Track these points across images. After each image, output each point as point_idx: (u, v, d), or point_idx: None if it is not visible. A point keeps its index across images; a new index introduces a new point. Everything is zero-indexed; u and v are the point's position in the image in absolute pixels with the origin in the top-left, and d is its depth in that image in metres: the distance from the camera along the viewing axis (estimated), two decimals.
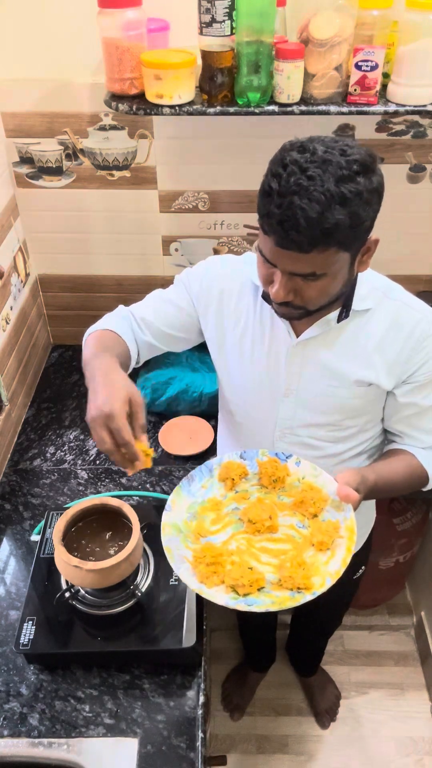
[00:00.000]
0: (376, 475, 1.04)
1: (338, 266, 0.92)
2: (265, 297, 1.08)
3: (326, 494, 1.01)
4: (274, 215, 0.85)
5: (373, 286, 1.06)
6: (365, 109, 1.34)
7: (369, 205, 0.88)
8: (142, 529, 1.16)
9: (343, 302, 1.03)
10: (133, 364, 1.17)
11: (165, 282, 1.86)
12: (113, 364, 0.99)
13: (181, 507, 1.04)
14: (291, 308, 0.97)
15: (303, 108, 1.35)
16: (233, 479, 1.07)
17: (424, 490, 1.16)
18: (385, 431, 1.23)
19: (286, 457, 1.08)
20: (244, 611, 0.91)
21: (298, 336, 1.08)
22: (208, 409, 1.68)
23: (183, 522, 1.02)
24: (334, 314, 1.05)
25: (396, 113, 1.37)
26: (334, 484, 0.99)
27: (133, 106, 1.38)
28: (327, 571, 0.93)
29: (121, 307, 1.22)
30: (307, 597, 0.89)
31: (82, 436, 1.69)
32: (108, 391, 0.92)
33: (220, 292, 1.14)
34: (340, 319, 1.05)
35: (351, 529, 0.95)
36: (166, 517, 1.00)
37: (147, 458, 0.93)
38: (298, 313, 0.99)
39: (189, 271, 1.19)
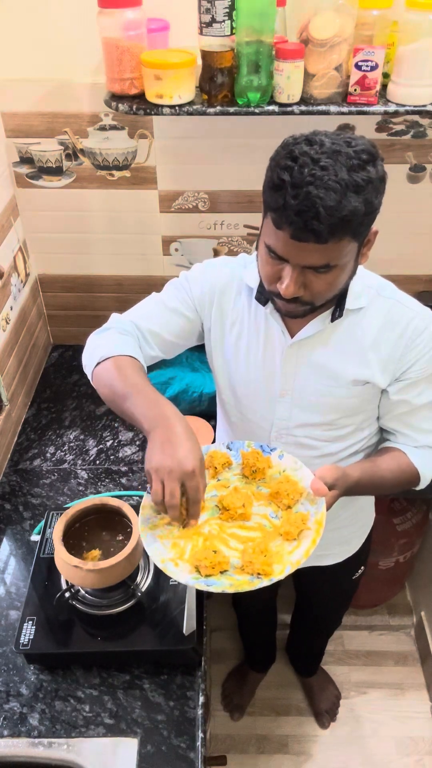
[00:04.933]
0: (360, 473, 1.05)
1: (348, 257, 0.93)
2: (259, 299, 1.09)
3: (302, 487, 1.03)
4: (291, 207, 0.85)
5: (365, 284, 1.07)
6: (365, 109, 1.34)
7: (379, 192, 0.89)
8: None
9: (337, 301, 1.04)
10: None
11: (165, 282, 1.86)
12: (179, 414, 0.95)
13: None
14: (298, 304, 0.97)
15: (303, 108, 1.35)
16: (216, 468, 1.09)
17: (417, 489, 1.16)
18: (381, 429, 1.23)
19: (270, 450, 1.10)
20: (204, 590, 0.93)
21: (292, 336, 1.08)
22: (208, 409, 1.68)
23: None
24: (328, 313, 1.05)
25: (396, 113, 1.37)
26: (312, 479, 1.00)
27: (133, 106, 1.38)
28: (289, 560, 0.95)
29: (117, 318, 1.15)
30: (264, 582, 0.92)
31: (82, 436, 1.69)
32: (189, 446, 0.90)
33: (220, 293, 1.14)
34: (333, 318, 1.05)
35: (320, 522, 0.97)
36: (146, 499, 1.03)
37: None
38: (303, 309, 0.99)
39: (187, 276, 1.17)
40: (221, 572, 0.95)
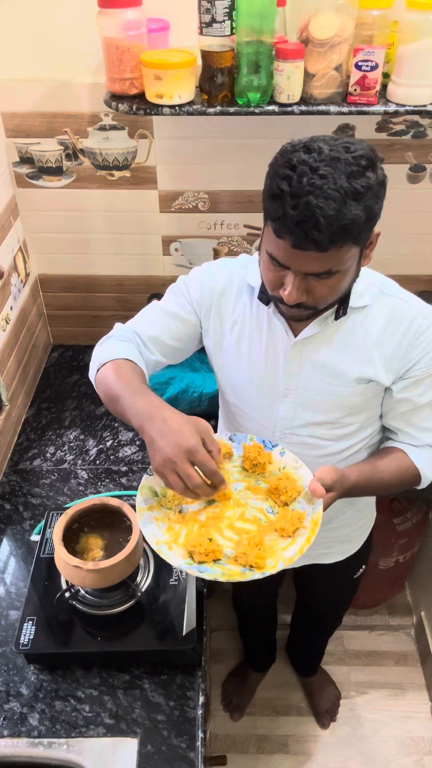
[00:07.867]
0: (357, 475, 1.05)
1: (350, 262, 0.93)
2: (262, 299, 1.09)
3: (301, 486, 1.04)
4: (291, 217, 0.85)
5: (368, 282, 1.07)
6: (365, 109, 1.34)
7: (379, 197, 0.89)
8: None
9: (340, 300, 1.04)
10: None
11: (165, 282, 1.86)
12: (159, 400, 0.97)
13: None
14: (302, 309, 0.98)
15: (303, 108, 1.35)
16: None
17: (418, 488, 1.16)
18: (383, 427, 1.23)
19: (273, 446, 1.10)
20: (196, 576, 0.94)
21: (295, 335, 1.08)
22: (208, 409, 1.68)
23: (161, 488, 1.05)
24: (331, 312, 1.05)
25: (396, 113, 1.37)
26: (311, 478, 1.01)
27: (133, 106, 1.38)
28: (282, 555, 0.95)
29: (119, 327, 1.17)
30: (256, 575, 0.93)
31: (82, 436, 1.69)
32: (179, 426, 0.90)
33: (219, 295, 1.14)
34: (337, 317, 1.05)
35: (315, 522, 0.98)
36: (145, 480, 1.04)
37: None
38: (307, 313, 0.99)
39: (185, 280, 1.18)
40: (214, 560, 0.96)
